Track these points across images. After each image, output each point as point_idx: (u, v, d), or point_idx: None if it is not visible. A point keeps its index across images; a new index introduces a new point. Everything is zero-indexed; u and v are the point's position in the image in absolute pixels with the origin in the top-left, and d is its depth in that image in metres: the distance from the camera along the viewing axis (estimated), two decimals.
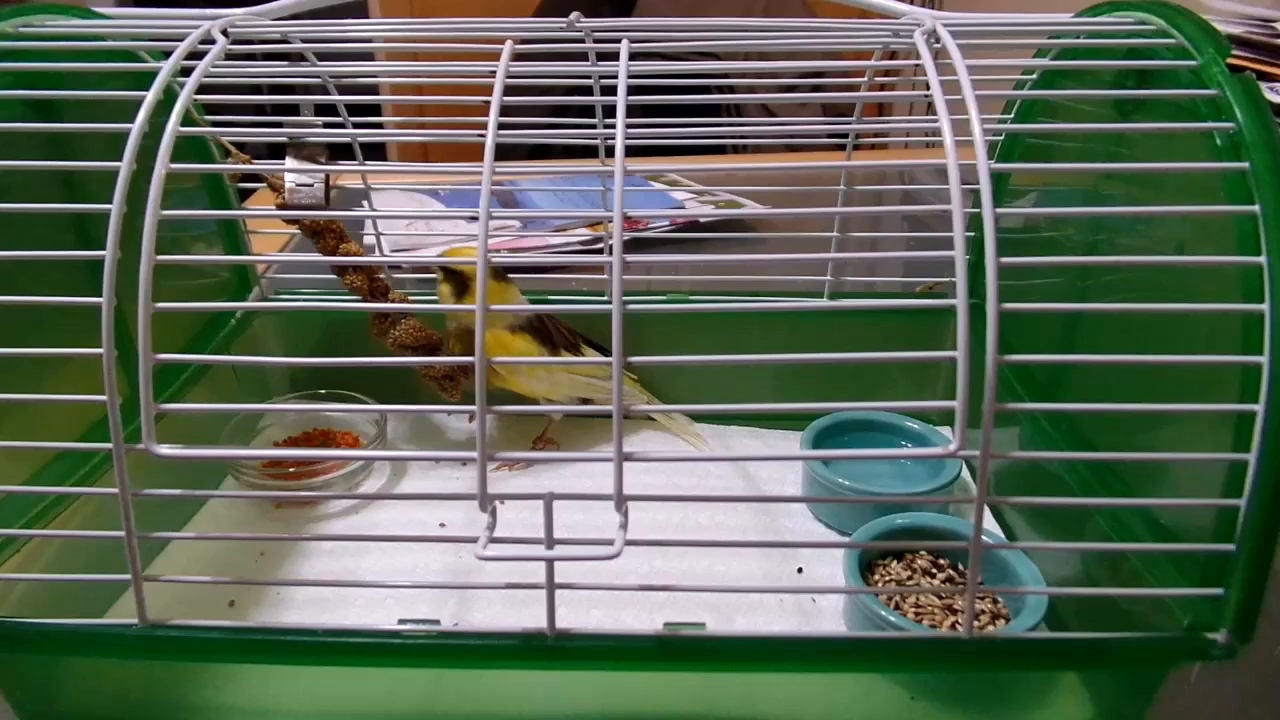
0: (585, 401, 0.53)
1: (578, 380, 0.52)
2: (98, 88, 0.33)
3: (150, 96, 0.31)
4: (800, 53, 0.36)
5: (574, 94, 0.41)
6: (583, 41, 0.39)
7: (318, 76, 0.42)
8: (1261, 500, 0.28)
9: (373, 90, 0.46)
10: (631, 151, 0.30)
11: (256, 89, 0.37)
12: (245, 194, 0.56)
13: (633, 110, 0.31)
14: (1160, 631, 0.32)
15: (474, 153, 0.30)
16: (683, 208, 0.85)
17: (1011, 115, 0.47)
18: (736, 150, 1.03)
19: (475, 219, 0.28)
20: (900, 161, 0.78)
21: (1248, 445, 0.28)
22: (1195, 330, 0.33)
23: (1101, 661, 0.32)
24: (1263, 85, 0.38)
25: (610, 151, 0.29)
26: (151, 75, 0.31)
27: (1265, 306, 0.28)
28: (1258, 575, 0.29)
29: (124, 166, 0.29)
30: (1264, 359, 0.28)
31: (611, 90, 0.32)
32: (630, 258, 0.29)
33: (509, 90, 0.32)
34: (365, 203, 0.58)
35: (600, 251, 0.70)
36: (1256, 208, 0.29)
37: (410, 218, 0.78)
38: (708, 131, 0.34)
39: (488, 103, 0.30)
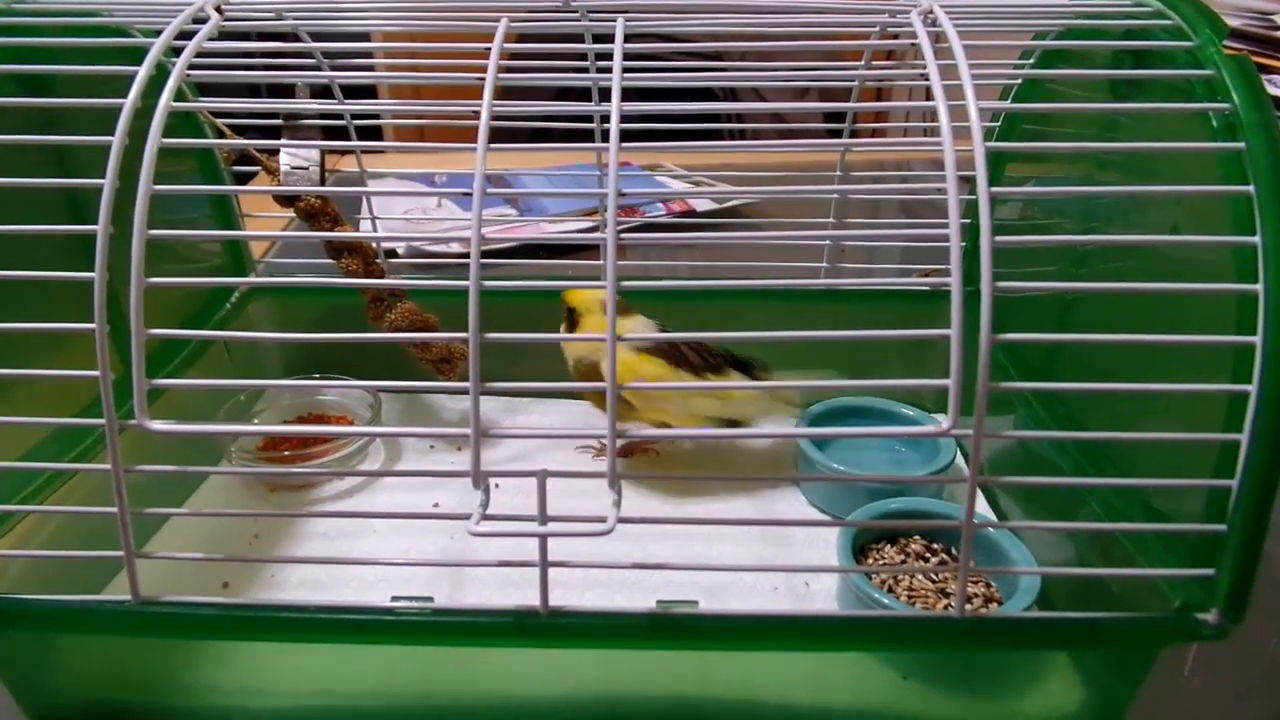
0: (731, 423, 0.48)
1: (716, 403, 0.47)
2: (89, 64, 0.33)
3: (143, 72, 0.31)
4: (796, 33, 0.36)
5: (571, 74, 0.41)
6: (578, 21, 0.39)
7: (312, 55, 0.42)
8: (1254, 480, 0.28)
9: (368, 70, 0.46)
10: (628, 135, 0.30)
11: (250, 67, 0.37)
12: (241, 179, 0.56)
13: (628, 92, 0.31)
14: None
15: (470, 137, 0.30)
16: (680, 198, 0.85)
17: (1010, 98, 0.47)
18: (733, 136, 1.02)
19: (470, 195, 0.28)
20: (897, 141, 0.78)
21: (1240, 426, 0.29)
22: (1190, 317, 0.32)
23: (1093, 641, 0.32)
24: (1263, 79, 0.38)
25: (606, 135, 0.29)
26: (143, 52, 0.31)
27: (1259, 286, 0.28)
28: (1249, 555, 0.29)
29: (116, 140, 0.29)
30: (1257, 339, 0.28)
31: (606, 70, 0.32)
32: (626, 236, 0.29)
33: (504, 70, 0.31)
34: (364, 197, 0.58)
35: (597, 230, 0.70)
36: (1251, 188, 0.29)
37: (404, 195, 0.78)
38: (704, 111, 0.34)
39: (483, 79, 0.30)
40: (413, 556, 0.43)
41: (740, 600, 0.41)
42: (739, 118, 0.97)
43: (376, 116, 0.55)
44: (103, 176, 0.28)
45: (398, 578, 0.41)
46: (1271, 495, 0.28)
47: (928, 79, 0.30)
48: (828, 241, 0.54)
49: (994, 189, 0.28)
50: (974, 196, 0.28)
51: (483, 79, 0.30)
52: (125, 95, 0.30)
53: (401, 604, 0.31)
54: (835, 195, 0.54)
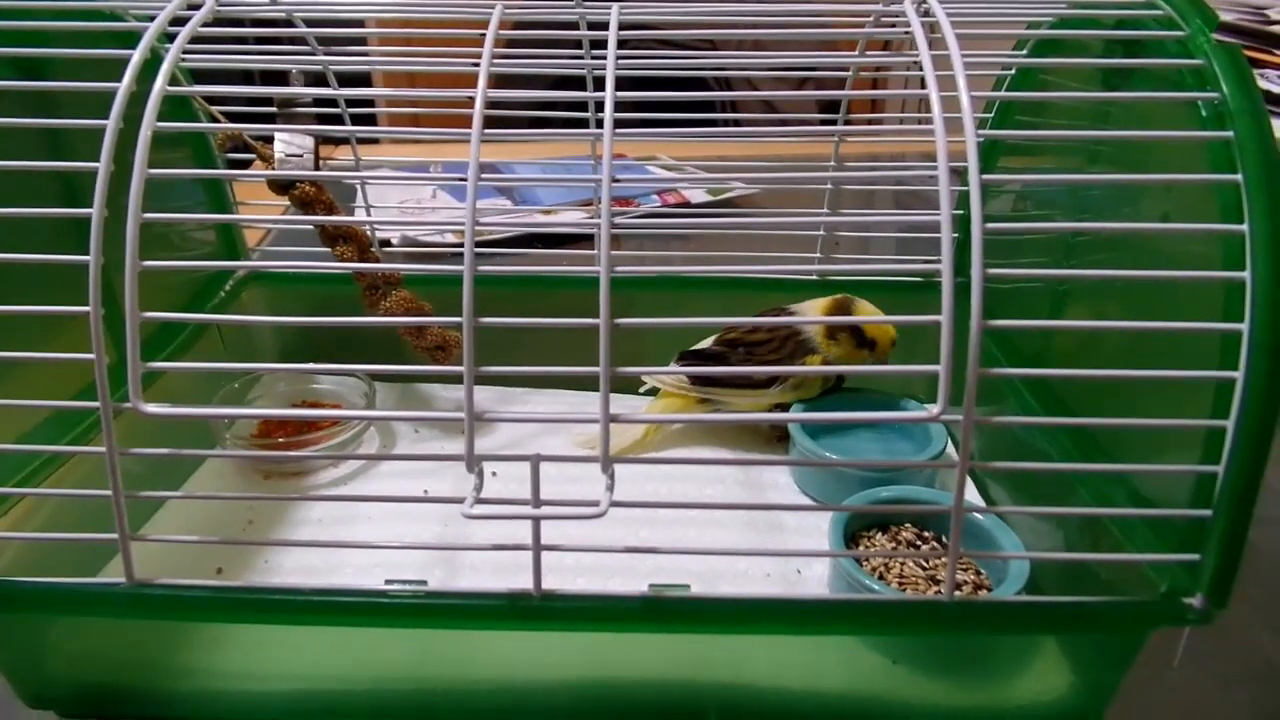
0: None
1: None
2: (83, 48, 0.33)
3: (137, 56, 0.31)
4: (791, 22, 0.36)
5: (565, 62, 0.41)
6: (573, 8, 0.39)
7: (305, 41, 0.42)
8: (1239, 465, 0.29)
9: (362, 56, 0.46)
10: (622, 124, 0.30)
11: (244, 53, 0.37)
12: (235, 167, 0.56)
13: (623, 81, 0.31)
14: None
15: (465, 124, 0.30)
16: (674, 189, 0.85)
17: (1003, 88, 0.47)
18: (727, 125, 1.03)
19: (464, 182, 0.28)
20: (890, 129, 0.78)
21: (1226, 412, 0.29)
22: (1179, 307, 0.33)
23: (1079, 625, 0.33)
24: (1255, 73, 0.38)
25: (601, 123, 0.29)
26: (137, 36, 0.31)
27: (1246, 274, 0.28)
28: (1234, 540, 0.29)
29: (111, 123, 0.29)
30: (1244, 326, 0.28)
31: (601, 58, 0.32)
32: (621, 222, 0.29)
33: (499, 58, 0.32)
34: (358, 186, 0.57)
35: (591, 219, 0.70)
36: (1239, 176, 0.29)
37: (398, 182, 0.78)
38: (699, 99, 0.34)
39: (477, 66, 0.30)
40: (407, 543, 0.43)
41: (732, 586, 0.41)
42: (734, 108, 0.97)
43: (371, 103, 0.55)
44: (97, 161, 0.28)
45: (392, 564, 0.41)
46: (1256, 481, 0.29)
47: (921, 68, 0.30)
48: (821, 232, 0.54)
49: (985, 177, 0.28)
50: (966, 188, 0.28)
51: (477, 66, 0.31)
52: (119, 80, 0.30)
53: (395, 587, 0.31)
54: (829, 186, 0.54)
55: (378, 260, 0.51)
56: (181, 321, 0.46)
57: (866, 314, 0.48)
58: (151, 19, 0.32)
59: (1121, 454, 0.38)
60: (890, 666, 0.35)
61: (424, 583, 0.32)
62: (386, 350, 0.54)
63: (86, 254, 0.28)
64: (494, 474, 0.45)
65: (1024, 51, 0.45)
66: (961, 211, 0.29)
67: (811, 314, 0.49)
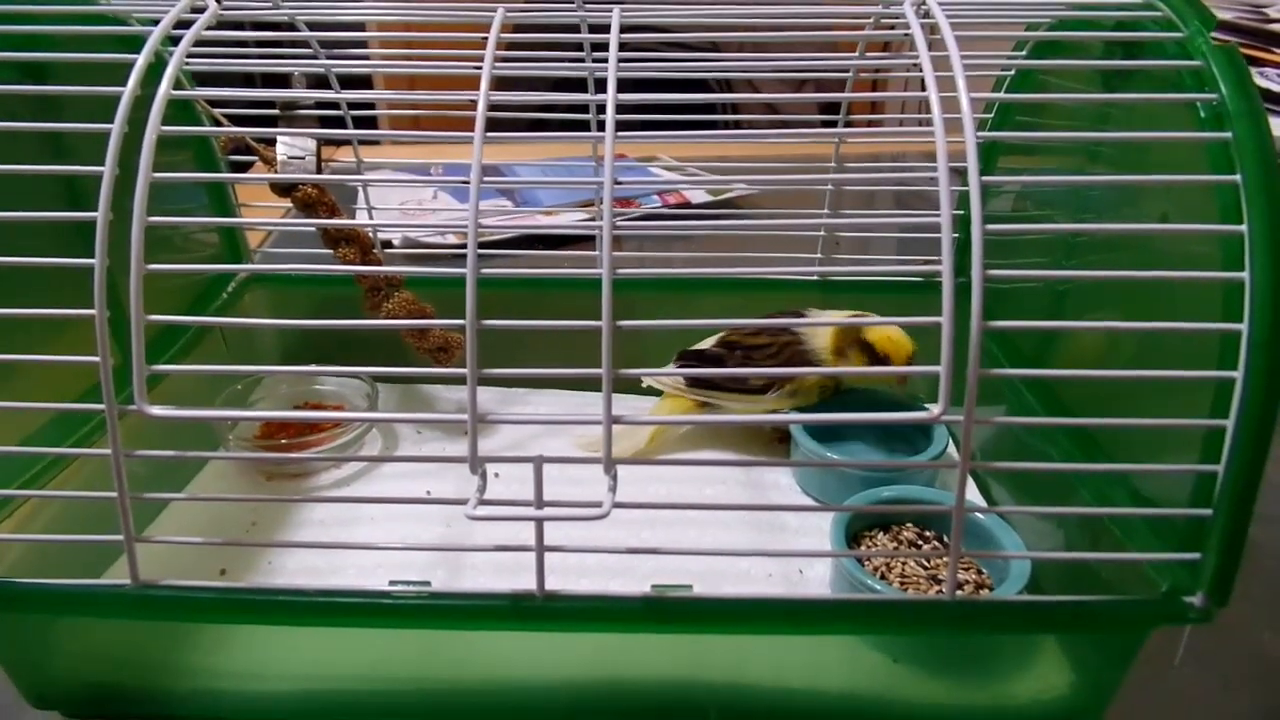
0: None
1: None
2: (87, 52, 0.33)
3: (141, 60, 0.31)
4: (792, 24, 0.36)
5: (566, 64, 0.41)
6: (575, 11, 0.39)
7: (308, 44, 0.42)
8: (1238, 465, 0.29)
9: (364, 59, 0.46)
10: (623, 126, 0.30)
11: (247, 56, 0.37)
12: (238, 169, 0.56)
13: (624, 83, 0.31)
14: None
15: (466, 127, 0.30)
16: (675, 190, 0.86)
17: (1002, 89, 0.47)
18: (728, 128, 1.03)
19: (466, 184, 0.28)
20: (891, 130, 0.78)
21: (1226, 412, 0.29)
22: (1178, 308, 0.33)
23: (1080, 624, 0.33)
24: (1253, 71, 0.38)
25: (602, 125, 0.30)
26: (141, 40, 0.31)
27: (1245, 274, 0.28)
28: (1234, 539, 0.29)
29: (116, 127, 0.29)
30: (1243, 326, 0.28)
31: (603, 61, 0.32)
32: (622, 225, 0.29)
33: (500, 60, 0.32)
34: (360, 188, 0.58)
35: (593, 220, 0.70)
36: (1238, 177, 0.29)
37: (399, 184, 0.78)
38: (700, 102, 0.34)
39: (479, 69, 0.31)
40: (410, 544, 0.43)
41: (734, 587, 0.42)
42: (735, 109, 0.97)
43: (373, 106, 0.55)
44: (101, 165, 0.28)
45: (395, 564, 0.41)
46: (1256, 479, 0.29)
47: (921, 70, 0.30)
48: (822, 233, 0.55)
49: (985, 178, 0.28)
50: (966, 188, 0.28)
51: (479, 69, 0.31)
52: (123, 84, 0.30)
53: (398, 588, 0.31)
54: (829, 187, 0.55)
55: (379, 262, 0.51)
56: (185, 324, 0.46)
57: (881, 337, 0.46)
58: (155, 23, 0.33)
59: (1122, 454, 0.38)
60: (891, 666, 0.35)
61: (427, 583, 0.32)
62: (388, 352, 0.54)
63: (90, 257, 0.28)
64: (496, 475, 0.45)
65: (1023, 53, 0.45)
66: (961, 212, 0.29)
67: (821, 333, 0.48)
